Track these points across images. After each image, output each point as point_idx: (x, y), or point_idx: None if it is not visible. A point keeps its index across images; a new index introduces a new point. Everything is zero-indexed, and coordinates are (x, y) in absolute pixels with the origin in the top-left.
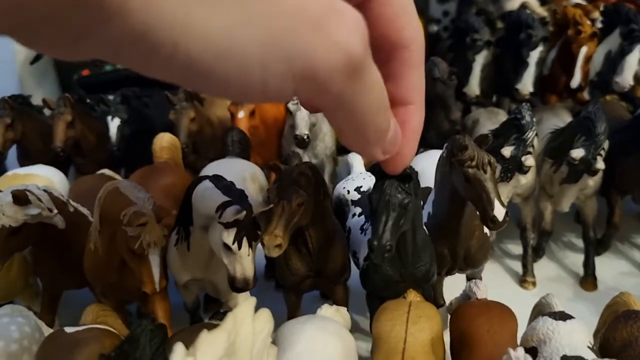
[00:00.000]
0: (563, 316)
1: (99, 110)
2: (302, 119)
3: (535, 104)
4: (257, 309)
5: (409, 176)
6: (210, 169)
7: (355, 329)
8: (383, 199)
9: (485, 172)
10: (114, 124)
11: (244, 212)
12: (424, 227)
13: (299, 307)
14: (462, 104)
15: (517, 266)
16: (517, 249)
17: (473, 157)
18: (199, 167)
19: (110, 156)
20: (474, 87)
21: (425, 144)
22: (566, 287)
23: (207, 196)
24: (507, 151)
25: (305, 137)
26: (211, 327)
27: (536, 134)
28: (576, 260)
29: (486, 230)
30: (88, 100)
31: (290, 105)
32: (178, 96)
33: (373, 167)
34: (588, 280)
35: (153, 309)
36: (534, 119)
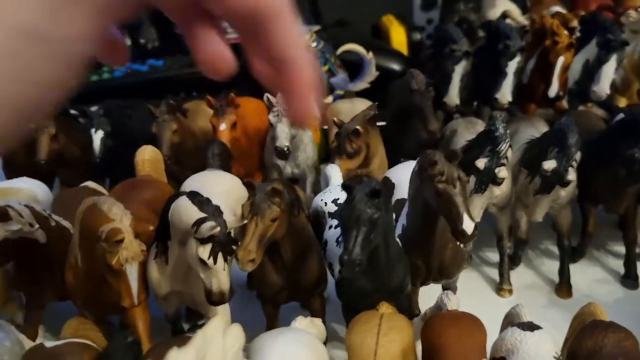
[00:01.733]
0: (531, 327)
1: (83, 122)
2: (283, 131)
3: (515, 113)
4: (239, 317)
5: (378, 192)
6: (191, 182)
7: (334, 338)
8: (353, 215)
9: (454, 186)
10: (97, 136)
11: (219, 228)
12: (397, 240)
13: (277, 318)
14: (443, 114)
15: (495, 274)
16: (494, 257)
17: (443, 172)
18: (182, 178)
19: (95, 168)
20: (453, 96)
21: (404, 155)
22: (542, 294)
23: (183, 212)
24: (481, 163)
25: (285, 148)
26: (186, 341)
27: (510, 146)
28: (553, 268)
29: None
30: (72, 112)
31: (271, 117)
32: (160, 109)
33: (344, 184)
34: (563, 287)
35: (133, 322)
36: (508, 131)
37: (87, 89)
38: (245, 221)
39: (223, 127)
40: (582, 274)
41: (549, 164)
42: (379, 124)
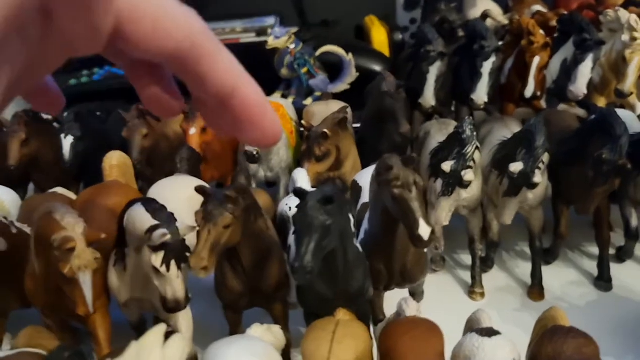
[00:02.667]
0: (489, 332)
1: (57, 127)
2: None
3: (492, 113)
4: (206, 323)
5: (331, 198)
6: (157, 187)
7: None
8: (305, 221)
9: (410, 191)
10: (67, 141)
11: (170, 235)
12: (357, 244)
13: (240, 324)
14: (421, 115)
15: (468, 277)
16: (468, 259)
17: (398, 177)
18: (156, 182)
19: (67, 173)
20: (428, 98)
21: (379, 157)
22: (514, 297)
23: (137, 219)
24: (447, 166)
25: (254, 152)
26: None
27: (477, 148)
28: (527, 270)
29: None
30: (45, 117)
31: None
32: (130, 113)
33: (296, 189)
34: (535, 290)
35: (93, 329)
36: (475, 133)
37: (66, 93)
38: (198, 228)
39: (193, 131)
40: (556, 276)
41: (515, 166)
42: (354, 125)
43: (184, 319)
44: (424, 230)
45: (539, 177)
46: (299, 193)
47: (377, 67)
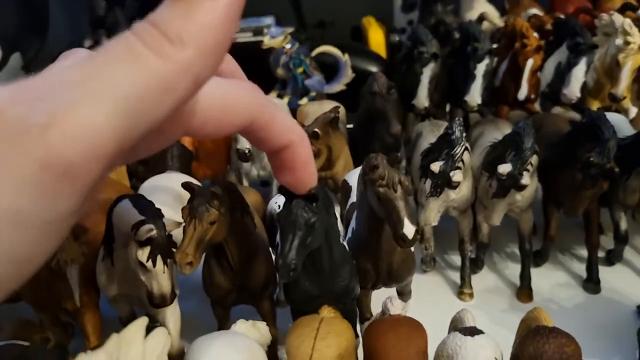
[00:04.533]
0: (472, 331)
1: None
2: None
3: (486, 115)
4: (196, 319)
5: (315, 196)
6: (147, 184)
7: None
8: (290, 219)
9: (395, 190)
10: None
11: (155, 231)
12: (343, 243)
13: (228, 320)
14: (415, 116)
15: (458, 277)
16: (458, 260)
17: (384, 176)
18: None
19: None
20: (422, 99)
21: None
22: (503, 298)
23: (124, 215)
24: (435, 166)
25: (246, 150)
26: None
27: (466, 149)
28: (516, 271)
29: None
30: None
31: None
32: None
33: (280, 187)
34: (523, 292)
35: (82, 324)
36: (464, 134)
37: None
38: (183, 224)
39: None
40: (545, 277)
41: (504, 168)
42: (349, 126)
43: (172, 314)
44: (408, 230)
45: (527, 179)
46: (284, 191)
47: (374, 68)
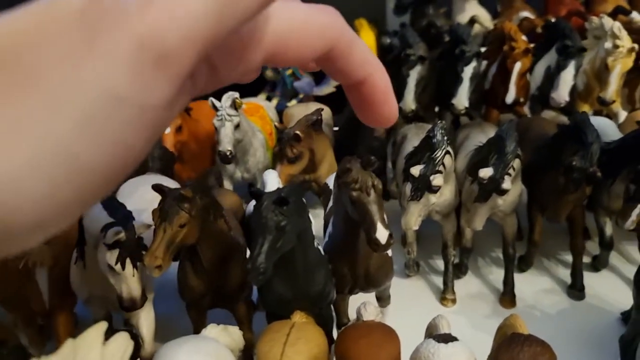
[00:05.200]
0: (446, 339)
1: None
2: (226, 135)
3: (474, 117)
4: (173, 322)
5: (285, 199)
6: (126, 185)
7: None
8: (260, 222)
9: (368, 194)
10: None
11: (124, 234)
12: (318, 247)
13: (204, 324)
14: (403, 119)
15: (441, 282)
16: (442, 265)
17: (357, 180)
18: None
19: None
20: (408, 102)
21: None
22: (486, 304)
23: (94, 217)
24: (415, 170)
25: (227, 153)
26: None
27: (448, 153)
28: (500, 277)
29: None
30: None
31: (215, 122)
32: None
33: (251, 190)
34: (506, 297)
35: (55, 326)
36: (445, 138)
37: None
38: (153, 227)
39: (167, 130)
40: (529, 283)
41: (485, 172)
42: (335, 128)
43: (146, 318)
44: (381, 234)
45: (508, 184)
46: (255, 194)
47: None
